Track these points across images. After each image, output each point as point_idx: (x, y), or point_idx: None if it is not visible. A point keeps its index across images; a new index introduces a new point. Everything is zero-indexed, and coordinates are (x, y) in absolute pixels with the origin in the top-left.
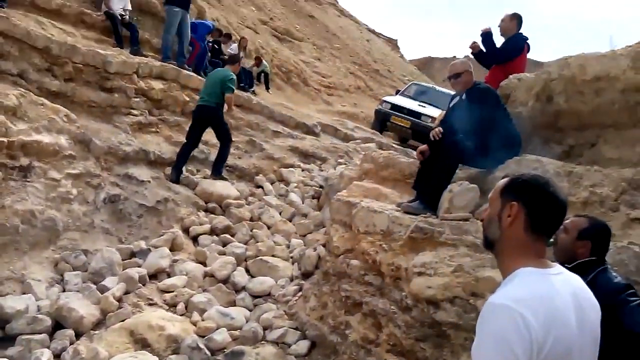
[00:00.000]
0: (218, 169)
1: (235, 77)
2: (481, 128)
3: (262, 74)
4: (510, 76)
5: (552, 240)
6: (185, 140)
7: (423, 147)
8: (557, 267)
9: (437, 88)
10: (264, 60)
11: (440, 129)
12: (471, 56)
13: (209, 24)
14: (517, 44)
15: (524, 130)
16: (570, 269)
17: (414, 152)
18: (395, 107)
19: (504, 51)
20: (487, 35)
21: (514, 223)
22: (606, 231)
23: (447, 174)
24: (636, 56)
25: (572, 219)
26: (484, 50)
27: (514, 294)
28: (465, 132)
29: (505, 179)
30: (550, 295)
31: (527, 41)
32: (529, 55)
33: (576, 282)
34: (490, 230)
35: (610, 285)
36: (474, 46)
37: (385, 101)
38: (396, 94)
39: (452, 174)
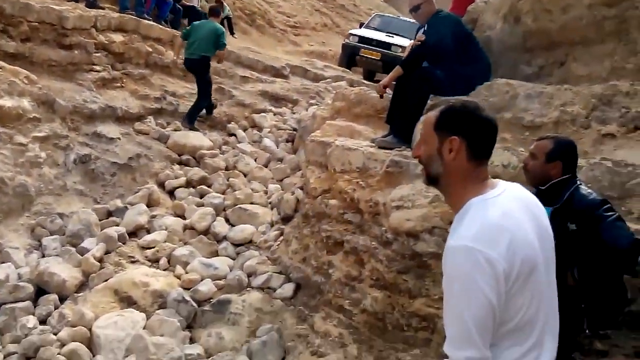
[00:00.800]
0: (190, 119)
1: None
2: (449, 54)
3: (225, 19)
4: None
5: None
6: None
7: (384, 81)
8: (500, 185)
9: (402, 17)
10: (225, 4)
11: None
12: None
13: None
14: None
15: (494, 54)
16: (545, 191)
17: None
18: (363, 40)
19: None
20: None
21: (457, 156)
22: (573, 147)
23: (419, 105)
24: None
25: (535, 143)
26: None
27: (470, 232)
28: (434, 61)
29: (434, 113)
30: (505, 220)
31: None
32: None
33: (520, 192)
34: (433, 167)
35: (586, 201)
36: None
37: (352, 34)
38: (360, 27)
39: (423, 105)
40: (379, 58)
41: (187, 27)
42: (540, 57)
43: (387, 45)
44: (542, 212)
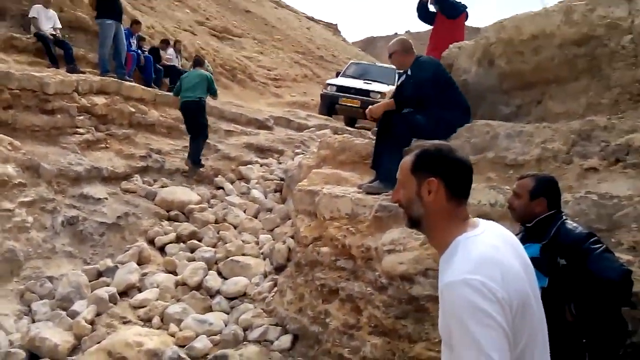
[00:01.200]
0: (196, 160)
1: None
2: (429, 100)
3: None
4: (451, 45)
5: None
6: (189, 135)
7: (372, 107)
8: (481, 223)
9: (377, 63)
10: (205, 61)
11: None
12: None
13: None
14: (458, 4)
15: (471, 96)
16: (532, 228)
17: (369, 133)
18: (341, 89)
19: (452, 5)
20: None
21: (437, 197)
22: (554, 183)
23: (401, 150)
24: (568, 10)
25: (517, 182)
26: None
27: (464, 266)
28: (414, 106)
29: (410, 157)
30: (494, 255)
31: (466, 9)
32: (470, 23)
33: (500, 229)
34: (413, 209)
35: (573, 236)
36: None
37: (329, 84)
38: (337, 76)
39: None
40: (358, 105)
41: (176, 84)
42: (517, 97)
43: (366, 92)
44: (522, 249)
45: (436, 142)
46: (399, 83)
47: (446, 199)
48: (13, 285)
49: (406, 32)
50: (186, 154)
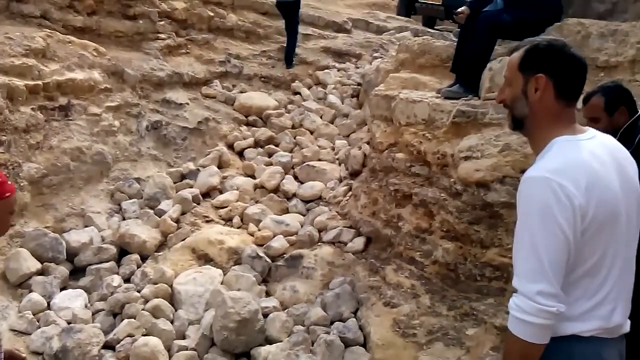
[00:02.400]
0: (289, 60)
1: None
2: None
3: None
4: None
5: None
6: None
7: (463, 7)
8: (590, 131)
9: None
10: None
11: (466, 8)
12: None
13: None
14: None
15: None
16: (620, 137)
17: (451, 35)
18: None
19: None
20: None
21: (544, 95)
22: (622, 87)
23: (484, 52)
24: None
25: (586, 107)
26: None
27: (550, 165)
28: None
29: (519, 52)
30: (588, 161)
31: None
32: None
33: (610, 142)
34: (518, 108)
35: None
36: None
37: None
38: None
39: (490, 51)
40: (440, 3)
41: None
42: None
43: None
44: (630, 165)
45: (549, 37)
46: None
47: (554, 98)
48: (104, 185)
49: None
50: (263, 59)
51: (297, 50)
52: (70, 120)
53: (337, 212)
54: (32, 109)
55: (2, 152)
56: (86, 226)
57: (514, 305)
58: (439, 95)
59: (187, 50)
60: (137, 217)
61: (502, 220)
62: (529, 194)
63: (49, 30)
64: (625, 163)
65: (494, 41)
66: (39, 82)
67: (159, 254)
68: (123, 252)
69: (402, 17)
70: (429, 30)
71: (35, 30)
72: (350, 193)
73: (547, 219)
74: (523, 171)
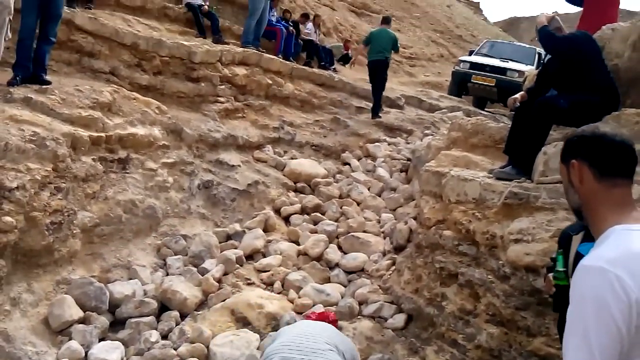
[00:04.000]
0: (376, 111)
1: None
2: (575, 82)
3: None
4: (603, 27)
5: None
6: (372, 84)
7: (516, 96)
8: None
9: (515, 43)
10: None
11: (523, 93)
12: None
13: None
14: None
15: (622, 83)
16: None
17: (503, 118)
18: (475, 66)
19: None
20: None
21: (584, 179)
22: None
23: (539, 136)
24: None
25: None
26: None
27: (607, 254)
28: (559, 88)
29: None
30: None
31: None
32: (622, 5)
33: None
34: (571, 199)
35: None
36: None
37: (463, 61)
38: (470, 54)
39: (545, 135)
40: (493, 84)
41: (367, 35)
42: None
43: (502, 71)
44: None
45: (586, 126)
46: (543, 62)
47: (594, 179)
48: (151, 239)
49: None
50: (316, 128)
51: (349, 122)
52: (127, 173)
53: (379, 285)
54: (93, 159)
55: (60, 199)
56: (130, 278)
57: None
58: (491, 175)
59: (244, 115)
60: (180, 274)
61: (550, 308)
62: (584, 283)
63: (116, 86)
64: None
65: (549, 126)
66: (102, 135)
67: (199, 312)
68: (164, 307)
69: (455, 97)
70: (480, 111)
71: (103, 85)
72: (393, 267)
73: (602, 311)
74: None
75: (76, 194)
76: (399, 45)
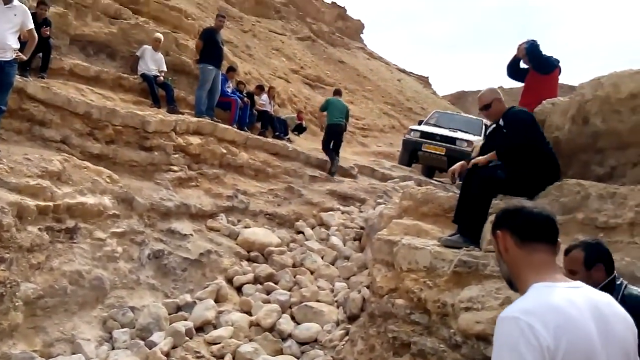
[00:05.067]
0: (333, 171)
1: None
2: (519, 154)
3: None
4: (544, 101)
5: None
6: (326, 149)
7: (455, 167)
8: (577, 282)
9: (462, 114)
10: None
11: (463, 162)
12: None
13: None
14: (552, 60)
15: (563, 155)
16: None
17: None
18: (425, 135)
19: (547, 60)
20: (533, 46)
21: (507, 247)
22: (602, 245)
23: (482, 205)
24: None
25: (565, 259)
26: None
27: (522, 305)
28: (503, 160)
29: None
30: (560, 304)
31: (559, 64)
32: (563, 80)
33: (599, 296)
34: (502, 268)
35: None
36: (520, 48)
37: (413, 130)
38: (419, 124)
39: (488, 204)
40: (443, 153)
41: (323, 103)
42: (612, 158)
43: (452, 140)
44: (622, 323)
45: (511, 201)
46: (487, 134)
47: (516, 245)
48: (97, 312)
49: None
50: (270, 196)
51: (303, 191)
52: (75, 243)
53: (332, 357)
54: (39, 229)
55: (2, 270)
56: (74, 353)
57: None
58: (440, 243)
59: (197, 183)
60: (126, 347)
61: None
62: (499, 333)
63: (66, 155)
64: (611, 318)
65: (490, 196)
66: (50, 204)
67: None
68: None
69: (406, 167)
70: (431, 180)
71: (53, 153)
72: (347, 338)
73: (514, 357)
74: None
75: (20, 265)
76: (349, 114)
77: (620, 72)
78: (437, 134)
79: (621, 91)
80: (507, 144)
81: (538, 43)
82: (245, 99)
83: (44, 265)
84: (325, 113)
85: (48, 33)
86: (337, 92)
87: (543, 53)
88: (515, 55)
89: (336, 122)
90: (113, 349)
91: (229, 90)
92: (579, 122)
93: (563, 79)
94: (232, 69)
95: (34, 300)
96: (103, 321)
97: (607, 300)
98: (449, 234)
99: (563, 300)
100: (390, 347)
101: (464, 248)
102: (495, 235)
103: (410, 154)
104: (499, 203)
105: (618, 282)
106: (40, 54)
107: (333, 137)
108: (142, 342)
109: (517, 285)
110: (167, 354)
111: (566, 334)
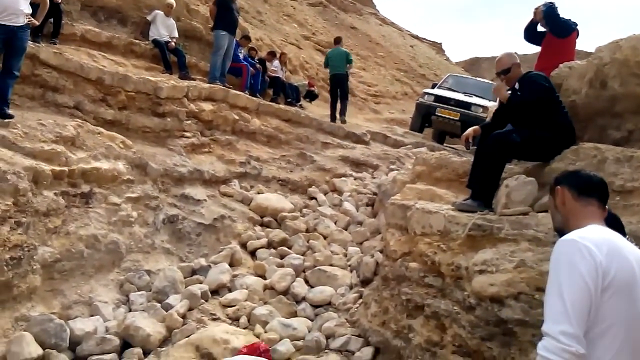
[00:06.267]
0: (343, 116)
1: None
2: (535, 118)
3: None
4: (561, 65)
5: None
6: (332, 98)
7: (468, 132)
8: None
9: (477, 78)
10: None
11: (477, 127)
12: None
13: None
14: (569, 23)
15: (580, 119)
16: None
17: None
18: (439, 99)
19: (565, 23)
20: (551, 8)
21: (566, 200)
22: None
23: (495, 169)
24: None
25: None
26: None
27: (579, 233)
28: (518, 124)
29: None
30: (612, 238)
31: (577, 27)
32: (579, 46)
33: (627, 242)
34: (555, 219)
35: None
36: (537, 11)
37: (427, 93)
38: (433, 87)
39: (501, 168)
40: (457, 118)
41: (325, 58)
42: (630, 122)
43: (467, 105)
44: None
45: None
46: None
47: (573, 199)
48: (114, 275)
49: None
50: (282, 163)
51: (316, 157)
52: (90, 207)
53: (346, 319)
54: (55, 193)
55: (20, 234)
56: (92, 315)
57: (541, 347)
58: (454, 207)
59: (210, 150)
60: (143, 310)
61: (516, 338)
62: (559, 252)
63: (80, 121)
64: (636, 253)
65: (504, 160)
66: (65, 169)
67: (162, 349)
68: (126, 344)
69: (418, 133)
70: (445, 147)
71: (67, 119)
72: (360, 300)
73: (572, 271)
74: (538, 289)
75: (37, 229)
76: (351, 58)
77: (639, 34)
78: (452, 98)
79: None
80: (520, 101)
81: (556, 5)
82: (258, 65)
83: (61, 230)
84: (328, 69)
85: None
86: (337, 41)
87: (560, 16)
88: (533, 19)
89: (335, 72)
90: (130, 310)
91: (241, 55)
92: (596, 86)
93: (580, 44)
94: (246, 37)
95: (52, 264)
96: (120, 284)
97: (634, 247)
98: (462, 198)
99: (613, 235)
100: (404, 310)
101: (478, 212)
102: (554, 191)
103: (423, 118)
104: (513, 168)
105: None
106: (52, 20)
107: (337, 87)
108: (158, 305)
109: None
110: (184, 316)
111: (616, 259)
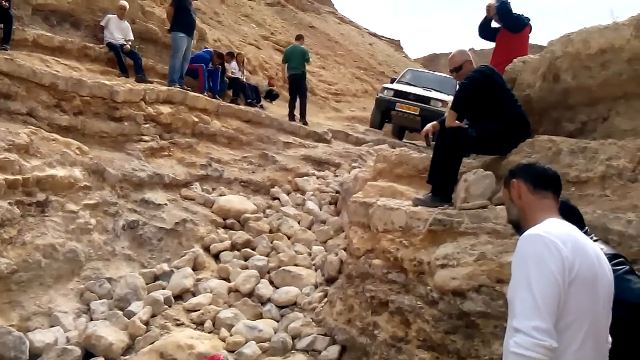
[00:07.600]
0: (304, 118)
1: None
2: (485, 112)
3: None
4: (515, 60)
5: None
6: (291, 97)
7: (427, 127)
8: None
9: (435, 73)
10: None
11: (435, 123)
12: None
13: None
14: (522, 18)
15: (534, 112)
16: None
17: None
18: (399, 94)
19: (518, 18)
20: (504, 4)
21: (522, 193)
22: (569, 203)
23: (453, 164)
24: (639, 24)
25: None
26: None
27: (543, 228)
28: (470, 118)
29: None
30: (573, 233)
31: (529, 22)
32: (533, 40)
33: (582, 234)
34: (511, 212)
35: None
36: (489, 8)
37: (386, 88)
38: (391, 82)
39: (458, 163)
40: (417, 113)
41: (283, 55)
42: (582, 114)
43: (426, 100)
44: (605, 264)
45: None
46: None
47: (529, 192)
48: (74, 284)
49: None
50: (244, 164)
51: (277, 157)
52: (46, 216)
53: (311, 318)
54: (9, 203)
55: None
56: (52, 326)
57: (513, 344)
58: (414, 204)
59: (170, 153)
60: (105, 318)
61: (478, 330)
62: (525, 248)
63: (34, 127)
64: (603, 262)
65: (460, 154)
66: (19, 177)
67: (126, 357)
68: (88, 354)
69: (378, 130)
70: (406, 143)
71: (20, 126)
72: (325, 299)
73: (541, 266)
74: (499, 281)
75: None
76: (309, 56)
77: (590, 27)
78: (411, 93)
79: (591, 47)
80: (458, 89)
81: (509, 1)
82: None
83: (16, 240)
84: (286, 66)
85: (7, 4)
86: (297, 38)
87: (513, 11)
88: (486, 16)
89: (292, 73)
90: (91, 320)
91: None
92: (549, 79)
93: (533, 38)
94: (230, 54)
95: (8, 275)
96: (80, 293)
97: (598, 246)
98: (423, 194)
99: (574, 230)
100: (369, 307)
101: (438, 207)
102: (510, 184)
103: (383, 113)
104: (471, 162)
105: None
106: (2, 25)
107: (295, 86)
108: (120, 313)
109: (525, 226)
110: (147, 323)
111: (579, 254)
